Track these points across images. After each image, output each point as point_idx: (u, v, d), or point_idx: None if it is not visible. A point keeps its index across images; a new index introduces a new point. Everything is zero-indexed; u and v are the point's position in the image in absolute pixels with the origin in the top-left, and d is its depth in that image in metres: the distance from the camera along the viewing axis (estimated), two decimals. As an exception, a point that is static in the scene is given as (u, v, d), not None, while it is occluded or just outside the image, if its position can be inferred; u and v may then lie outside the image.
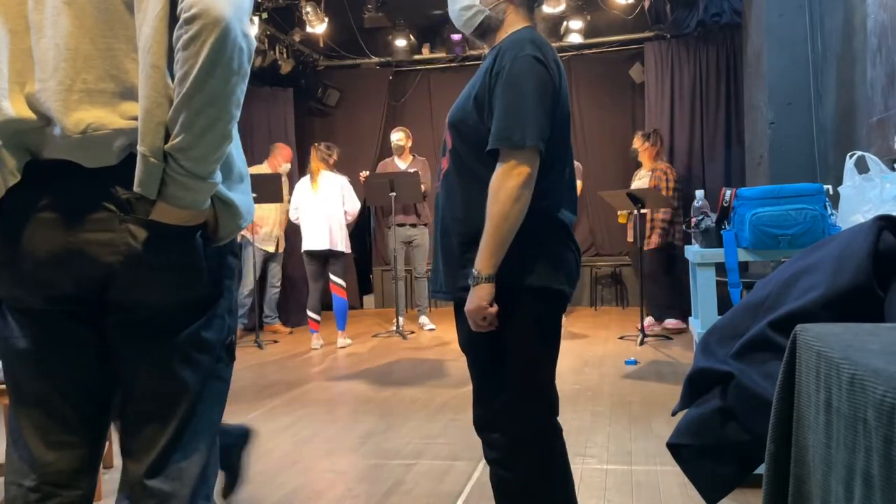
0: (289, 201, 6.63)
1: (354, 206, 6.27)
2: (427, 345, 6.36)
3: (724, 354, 1.46)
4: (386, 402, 4.33)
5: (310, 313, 6.28)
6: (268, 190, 6.39)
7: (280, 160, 7.12)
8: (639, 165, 6.76)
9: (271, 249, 7.04)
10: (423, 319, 7.11)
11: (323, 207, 6.11)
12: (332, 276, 6.21)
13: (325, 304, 6.23)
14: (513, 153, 1.73)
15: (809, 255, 1.44)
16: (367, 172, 6.93)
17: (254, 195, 6.16)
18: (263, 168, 7.01)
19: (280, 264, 7.22)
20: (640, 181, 6.59)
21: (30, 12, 1.24)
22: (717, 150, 7.29)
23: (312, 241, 6.14)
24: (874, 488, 0.76)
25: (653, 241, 6.33)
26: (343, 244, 6.19)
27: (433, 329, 6.98)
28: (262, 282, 7.08)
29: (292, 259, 7.51)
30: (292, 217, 6.44)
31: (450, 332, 6.83)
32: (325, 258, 6.21)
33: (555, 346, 1.89)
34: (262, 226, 6.92)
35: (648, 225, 6.36)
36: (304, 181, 6.34)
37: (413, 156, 7.08)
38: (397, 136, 7.02)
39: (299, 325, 7.53)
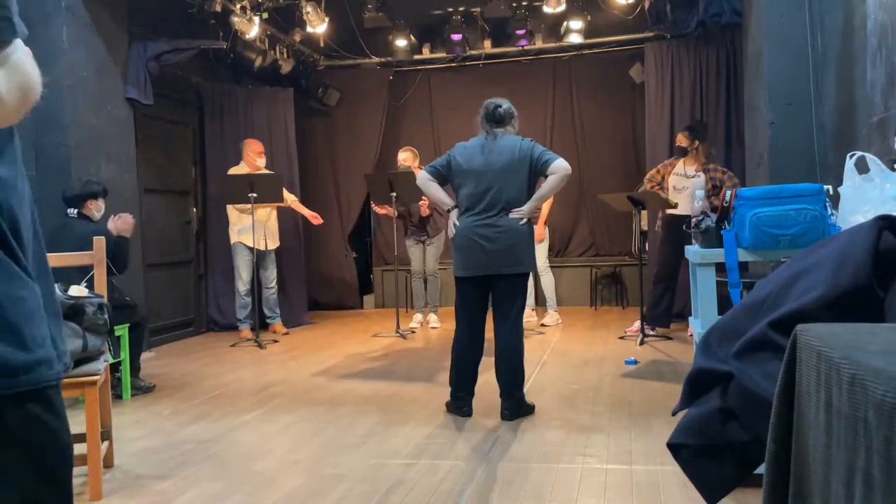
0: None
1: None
2: (427, 345, 6.36)
3: (725, 354, 1.46)
4: (386, 402, 4.33)
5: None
6: (268, 190, 6.38)
7: (253, 156, 6.86)
8: (640, 171, 6.58)
9: (260, 247, 6.79)
10: (431, 317, 7.17)
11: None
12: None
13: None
14: None
15: (809, 255, 1.44)
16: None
17: (255, 195, 6.13)
18: (242, 168, 6.84)
19: (274, 265, 7.07)
20: (691, 181, 5.99)
21: None
22: (716, 150, 7.28)
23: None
24: (875, 488, 0.76)
25: None
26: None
27: (436, 328, 7.00)
28: (255, 282, 6.86)
29: (287, 258, 7.54)
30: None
31: (451, 332, 6.82)
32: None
33: None
34: (237, 224, 6.81)
35: None
36: None
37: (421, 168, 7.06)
38: (403, 157, 6.98)
39: (298, 325, 7.55)
